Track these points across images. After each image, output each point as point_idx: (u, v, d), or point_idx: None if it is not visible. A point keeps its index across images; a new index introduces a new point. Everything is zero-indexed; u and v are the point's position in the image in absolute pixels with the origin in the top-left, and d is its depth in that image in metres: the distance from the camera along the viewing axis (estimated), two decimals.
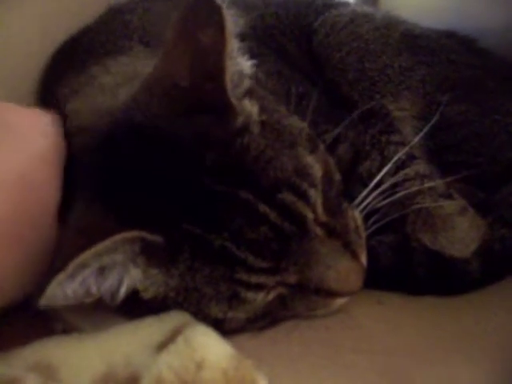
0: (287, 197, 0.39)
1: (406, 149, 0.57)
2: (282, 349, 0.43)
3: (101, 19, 0.67)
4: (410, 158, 0.58)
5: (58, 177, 0.44)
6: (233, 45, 0.40)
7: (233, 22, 0.39)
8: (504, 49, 0.81)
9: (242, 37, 0.42)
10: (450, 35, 0.78)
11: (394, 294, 0.53)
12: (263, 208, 0.38)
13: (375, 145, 0.60)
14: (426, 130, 0.60)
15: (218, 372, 0.28)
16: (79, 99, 0.51)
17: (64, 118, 0.50)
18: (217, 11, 0.38)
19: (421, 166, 0.58)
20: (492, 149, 0.66)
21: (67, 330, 0.42)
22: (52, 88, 0.58)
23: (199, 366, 0.28)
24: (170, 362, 0.29)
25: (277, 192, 0.39)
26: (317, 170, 0.42)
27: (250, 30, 0.67)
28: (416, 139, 0.59)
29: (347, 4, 0.78)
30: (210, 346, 0.30)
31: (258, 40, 0.65)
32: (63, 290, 0.35)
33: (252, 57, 0.47)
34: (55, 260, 0.36)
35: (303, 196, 0.40)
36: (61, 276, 0.34)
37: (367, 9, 0.76)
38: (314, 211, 0.41)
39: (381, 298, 0.52)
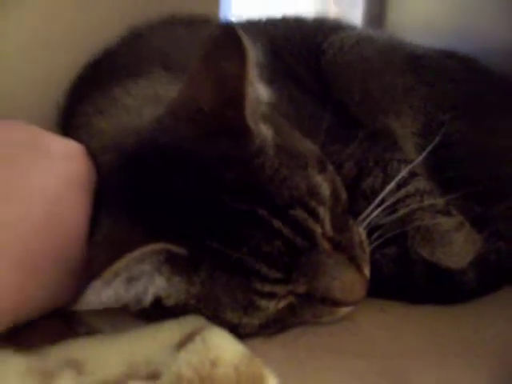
0: (299, 213, 0.42)
1: (409, 167, 0.60)
2: (290, 353, 0.45)
3: (122, 41, 0.71)
4: (412, 175, 0.61)
5: (87, 199, 0.47)
6: (253, 73, 0.43)
7: (253, 52, 0.43)
8: (507, 67, 0.85)
9: (259, 64, 0.45)
10: (450, 55, 0.82)
11: (395, 302, 0.56)
12: (277, 224, 0.41)
13: (378, 162, 0.63)
14: (428, 149, 0.64)
15: (230, 368, 0.31)
16: (104, 119, 0.54)
17: (89, 137, 0.54)
18: (239, 43, 0.41)
19: (421, 183, 0.61)
20: (491, 165, 0.68)
21: (90, 333, 0.45)
22: (76, 107, 0.61)
23: (214, 363, 0.32)
24: (188, 359, 0.33)
25: (290, 209, 0.42)
26: (325, 189, 0.45)
27: (260, 53, 0.71)
28: (419, 158, 0.62)
29: (354, 27, 0.82)
30: (223, 346, 0.34)
31: (269, 63, 0.69)
32: (98, 296, 0.39)
33: (265, 81, 0.51)
34: (87, 270, 0.39)
35: (313, 213, 0.43)
36: (97, 283, 0.37)
37: (372, 31, 0.80)
38: (323, 227, 0.44)
39: (383, 306, 0.55)
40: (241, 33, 0.42)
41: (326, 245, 0.44)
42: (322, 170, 0.47)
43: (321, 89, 0.72)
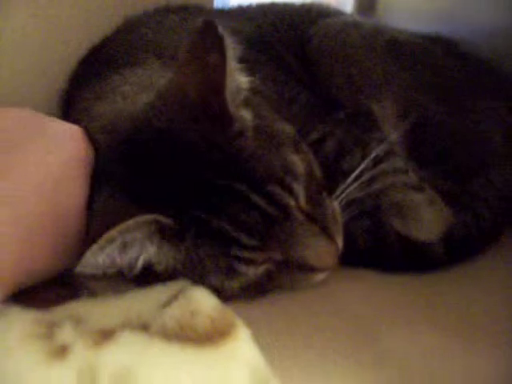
0: (274, 188, 0.47)
1: (383, 146, 0.65)
2: (268, 313, 0.51)
3: (118, 31, 0.75)
4: (388, 153, 0.65)
5: (85, 176, 0.51)
6: (232, 66, 0.48)
7: (233, 47, 0.48)
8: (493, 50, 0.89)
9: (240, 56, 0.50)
10: (434, 39, 0.85)
11: (370, 271, 0.60)
12: (254, 197, 0.46)
13: (358, 142, 0.67)
14: (402, 129, 0.69)
15: (207, 318, 0.36)
16: (103, 104, 0.58)
17: (89, 120, 0.58)
18: (220, 39, 0.46)
19: (396, 161, 0.65)
20: (466, 145, 0.72)
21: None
22: (77, 93, 0.66)
23: (193, 314, 0.37)
24: (172, 312, 0.37)
25: (266, 184, 0.47)
26: (299, 167, 0.50)
27: (248, 39, 0.75)
28: (393, 137, 0.67)
29: (340, 13, 0.86)
30: (202, 300, 0.39)
31: (256, 48, 0.73)
32: (95, 259, 0.43)
33: (249, 64, 0.56)
34: (87, 238, 0.45)
35: (287, 188, 0.48)
36: (94, 247, 0.42)
37: (357, 18, 0.83)
38: (297, 200, 0.49)
39: (358, 274, 0.59)
40: (221, 29, 0.46)
41: (300, 216, 0.49)
42: (297, 149, 0.51)
43: (307, 74, 0.77)
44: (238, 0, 1.00)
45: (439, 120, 0.72)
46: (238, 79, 0.50)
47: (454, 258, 0.62)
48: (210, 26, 0.46)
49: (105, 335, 0.35)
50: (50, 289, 0.51)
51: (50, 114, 0.57)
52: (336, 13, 0.86)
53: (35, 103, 0.64)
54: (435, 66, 0.78)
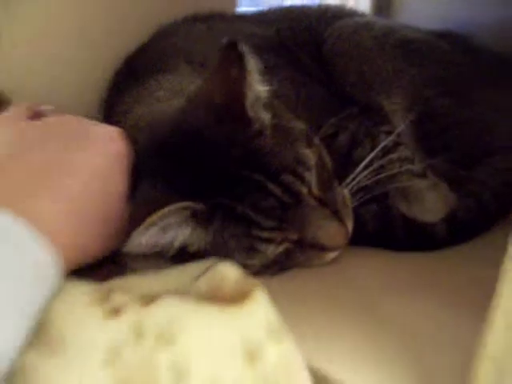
0: (287, 178, 0.54)
1: (391, 137, 0.71)
2: (286, 287, 0.57)
3: (152, 40, 0.83)
4: (395, 144, 0.72)
5: (126, 169, 0.57)
6: (251, 78, 0.55)
7: (254, 62, 0.55)
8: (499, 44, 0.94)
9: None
10: (444, 35, 0.91)
11: (378, 250, 0.66)
12: (270, 185, 0.53)
13: (368, 135, 0.74)
14: (408, 120, 0.75)
15: (232, 284, 0.44)
16: (141, 107, 0.66)
17: (128, 121, 0.65)
18: (240, 56, 0.53)
19: (403, 152, 0.72)
20: (471, 136, 0.78)
21: None
22: (116, 98, 0.73)
23: (221, 279, 0.44)
24: (204, 280, 0.45)
25: (280, 175, 0.54)
26: (311, 159, 0.57)
27: (268, 43, 0.82)
28: (400, 129, 0.73)
29: (354, 14, 0.92)
30: (228, 270, 0.45)
31: (275, 52, 0.80)
32: (140, 240, 0.51)
33: (268, 67, 0.63)
34: (132, 223, 0.51)
35: (299, 177, 0.55)
36: (139, 230, 0.49)
37: (370, 18, 0.90)
38: (309, 188, 0.56)
39: (367, 253, 0.65)
40: (241, 47, 0.53)
41: (312, 201, 0.56)
42: (309, 144, 0.58)
43: (323, 73, 0.83)
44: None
45: (445, 112, 0.78)
46: (258, 88, 0.57)
47: (457, 238, 0.68)
48: (233, 44, 0.53)
49: (149, 299, 0.43)
50: (103, 267, 0.58)
51: (90, 114, 0.65)
52: (350, 14, 0.93)
53: (77, 106, 0.73)
54: (442, 61, 0.83)
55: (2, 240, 0.41)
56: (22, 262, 0.41)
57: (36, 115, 0.60)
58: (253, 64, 0.55)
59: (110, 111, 0.75)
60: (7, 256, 0.40)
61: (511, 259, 0.36)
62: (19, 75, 0.76)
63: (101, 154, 0.55)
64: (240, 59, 0.53)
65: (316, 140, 0.61)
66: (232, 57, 0.54)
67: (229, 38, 0.53)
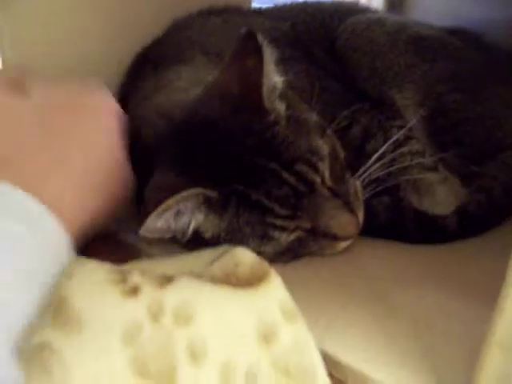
0: (302, 167, 0.55)
1: (403, 131, 0.72)
2: (300, 274, 0.59)
3: (167, 33, 0.84)
4: (407, 138, 0.73)
5: (120, 138, 0.56)
6: (268, 68, 0.56)
7: (270, 52, 0.56)
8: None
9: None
10: (456, 32, 0.91)
11: (390, 242, 0.67)
12: (285, 174, 0.54)
13: (381, 128, 0.74)
14: (419, 115, 0.76)
15: (247, 267, 0.45)
16: (160, 96, 0.67)
17: (149, 108, 0.66)
18: (259, 46, 0.54)
19: (414, 145, 0.73)
20: (482, 131, 0.78)
21: None
22: (134, 86, 0.75)
23: (236, 264, 0.45)
24: (219, 265, 0.46)
25: (295, 164, 0.55)
26: (324, 150, 0.58)
27: (283, 37, 0.83)
28: (412, 123, 0.74)
29: (367, 10, 0.93)
30: (243, 254, 0.47)
31: (290, 45, 0.82)
32: (154, 224, 0.52)
33: (284, 60, 0.64)
34: (147, 206, 0.53)
35: (313, 166, 0.56)
36: (154, 214, 0.51)
37: (382, 15, 0.90)
38: (322, 177, 0.57)
39: (379, 244, 0.66)
40: (260, 38, 0.54)
41: (325, 192, 0.57)
42: (323, 135, 0.59)
43: (336, 68, 0.84)
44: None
45: (456, 108, 0.78)
46: (274, 79, 0.58)
47: (467, 232, 0.68)
48: (251, 35, 0.55)
49: (167, 279, 0.44)
50: (115, 256, 0.58)
51: None
52: (363, 10, 0.93)
53: None
54: (454, 57, 0.83)
55: (13, 215, 0.42)
56: (32, 235, 0.42)
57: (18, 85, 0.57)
58: (269, 55, 0.56)
59: (126, 97, 0.76)
60: (17, 230, 0.41)
61: None
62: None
63: (95, 124, 0.56)
64: (258, 50, 0.54)
65: (329, 132, 0.62)
66: (250, 47, 0.55)
67: (247, 29, 0.54)
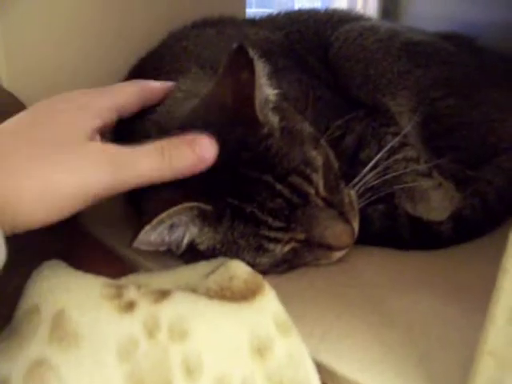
0: (295, 179, 0.55)
1: (398, 138, 0.73)
2: (295, 285, 0.60)
3: (163, 44, 0.84)
4: (401, 145, 0.73)
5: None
6: (260, 82, 0.56)
7: (262, 66, 0.57)
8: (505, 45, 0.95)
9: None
10: (450, 37, 0.92)
11: (385, 249, 0.68)
12: (279, 186, 0.55)
13: (375, 136, 0.75)
14: (416, 121, 0.77)
15: (242, 281, 0.46)
16: (158, 107, 0.66)
17: (145, 121, 0.66)
18: (250, 60, 0.55)
19: (409, 152, 0.73)
20: (477, 135, 0.79)
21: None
22: None
23: (231, 278, 0.46)
24: (214, 278, 0.47)
25: (288, 176, 0.55)
26: (318, 160, 0.58)
27: (277, 47, 0.84)
28: (406, 130, 0.75)
29: (360, 18, 0.94)
30: (238, 268, 0.47)
31: (284, 55, 0.82)
32: (148, 237, 0.53)
33: (278, 70, 0.64)
34: (142, 219, 0.53)
35: (307, 178, 0.56)
36: (147, 227, 0.52)
37: (375, 22, 0.91)
38: (316, 188, 0.57)
39: (374, 252, 0.67)
40: (251, 52, 0.55)
41: (319, 202, 0.57)
42: (316, 146, 0.60)
43: (330, 76, 0.85)
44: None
45: (450, 113, 0.79)
46: (266, 92, 0.59)
47: (462, 237, 0.69)
48: (242, 49, 0.55)
49: (163, 294, 0.45)
50: (112, 270, 0.59)
51: None
52: (356, 18, 0.94)
53: None
54: (447, 62, 0.84)
55: None
56: None
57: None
58: (261, 68, 0.57)
59: None
60: None
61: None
62: (30, 81, 0.78)
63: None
64: (249, 64, 0.55)
65: (323, 142, 0.62)
66: (242, 61, 0.55)
67: (239, 43, 0.55)
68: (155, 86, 0.65)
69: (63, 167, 0.47)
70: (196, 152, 0.53)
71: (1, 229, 0.42)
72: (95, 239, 0.72)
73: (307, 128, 0.62)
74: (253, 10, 1.51)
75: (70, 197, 0.47)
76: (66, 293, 0.46)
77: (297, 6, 1.71)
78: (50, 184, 0.46)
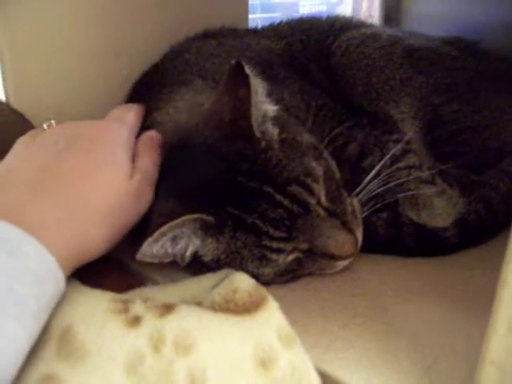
0: (296, 189, 0.56)
1: (400, 146, 0.73)
2: (299, 295, 0.60)
3: (165, 58, 0.86)
4: (404, 152, 0.73)
5: (123, 161, 0.59)
6: (256, 98, 0.57)
7: (259, 83, 0.58)
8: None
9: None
10: (452, 42, 0.92)
11: (389, 257, 0.68)
12: (279, 197, 0.55)
13: (377, 144, 0.75)
14: (419, 128, 0.77)
15: (246, 294, 0.47)
16: (161, 115, 0.69)
17: (148, 125, 0.68)
18: (246, 78, 0.56)
19: (411, 159, 0.73)
20: (480, 140, 0.79)
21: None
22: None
23: (235, 291, 0.47)
24: (218, 291, 0.48)
25: (288, 186, 0.56)
26: (319, 170, 0.59)
27: (278, 56, 0.85)
28: (408, 136, 0.75)
29: (361, 25, 0.94)
30: (242, 280, 0.48)
31: (286, 64, 0.83)
32: (151, 249, 0.54)
33: (279, 80, 0.65)
34: (146, 232, 0.54)
35: (307, 188, 0.57)
36: (150, 239, 0.53)
37: (376, 29, 0.91)
38: (318, 199, 0.57)
39: (378, 260, 0.67)
40: (247, 69, 0.56)
41: (321, 212, 0.58)
42: (317, 156, 0.60)
43: (332, 84, 0.86)
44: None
45: (453, 118, 0.80)
46: (264, 108, 0.60)
47: (467, 243, 0.69)
48: (239, 67, 0.56)
49: (168, 308, 0.45)
50: (119, 282, 0.61)
51: None
52: (358, 25, 0.95)
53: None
54: (449, 67, 0.85)
55: (1, 248, 0.43)
56: (21, 269, 0.44)
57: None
58: (258, 85, 0.58)
59: None
60: (2, 262, 0.43)
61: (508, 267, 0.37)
62: (34, 97, 0.79)
63: (96, 153, 0.58)
64: (246, 80, 0.56)
65: (324, 152, 0.63)
66: (239, 78, 0.57)
67: (236, 60, 0.56)
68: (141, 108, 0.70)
69: (126, 216, 0.58)
70: None
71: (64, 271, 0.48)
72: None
73: (308, 139, 0.62)
74: (258, 16, 1.52)
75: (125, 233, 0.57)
76: (73, 308, 0.47)
77: (301, 11, 1.71)
78: (116, 231, 0.57)
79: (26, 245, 0.45)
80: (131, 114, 0.66)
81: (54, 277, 0.46)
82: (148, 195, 0.60)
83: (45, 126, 0.64)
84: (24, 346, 0.41)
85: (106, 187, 0.56)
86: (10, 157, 0.59)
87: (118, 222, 0.57)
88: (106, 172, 0.56)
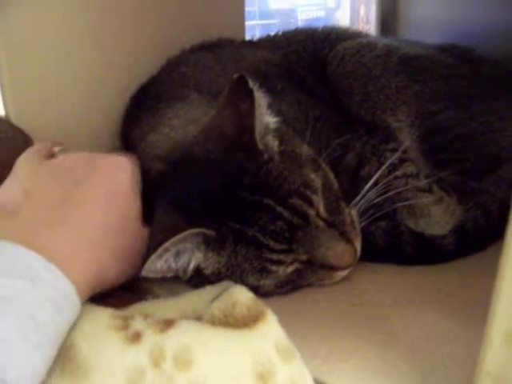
0: (295, 201, 0.56)
1: (397, 155, 0.73)
2: (299, 305, 0.60)
3: (162, 71, 0.86)
4: (401, 161, 0.74)
5: (136, 197, 0.61)
6: (259, 111, 0.58)
7: (262, 96, 0.58)
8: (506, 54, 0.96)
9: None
10: (447, 49, 0.93)
11: (388, 265, 0.69)
12: (279, 209, 0.56)
13: (375, 153, 0.76)
14: (416, 136, 0.78)
15: (244, 308, 0.47)
16: (156, 135, 0.69)
17: (144, 147, 0.69)
18: (250, 91, 0.56)
19: (408, 168, 0.74)
20: (478, 146, 0.80)
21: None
22: (132, 125, 0.77)
23: (234, 305, 0.47)
24: (218, 305, 0.48)
25: (289, 198, 0.56)
26: (317, 182, 0.59)
27: (275, 68, 0.85)
28: (405, 145, 0.76)
29: (357, 35, 0.95)
30: (241, 294, 0.48)
31: (283, 76, 0.84)
32: (155, 265, 0.54)
33: (277, 92, 0.65)
34: (148, 249, 0.55)
35: (307, 200, 0.57)
36: (154, 256, 0.53)
37: (372, 38, 0.92)
38: (317, 210, 0.58)
39: (377, 269, 0.67)
40: (251, 83, 0.57)
41: (320, 223, 0.58)
42: (316, 168, 0.61)
43: (329, 94, 0.86)
44: None
45: (450, 125, 0.80)
46: (266, 120, 0.60)
47: (466, 250, 0.69)
48: (243, 80, 0.57)
49: (168, 324, 0.46)
50: (121, 296, 0.61)
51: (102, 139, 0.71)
52: (354, 35, 0.95)
53: (96, 133, 0.80)
54: (445, 75, 0.85)
55: (20, 274, 0.44)
56: (43, 297, 0.45)
57: (51, 154, 0.65)
58: (261, 98, 0.58)
59: (126, 138, 0.79)
60: (25, 290, 0.44)
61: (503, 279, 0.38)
62: (34, 112, 0.80)
63: (111, 185, 0.59)
64: (249, 94, 0.57)
65: (322, 164, 0.63)
66: (242, 92, 0.57)
67: (240, 74, 0.56)
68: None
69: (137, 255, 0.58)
70: None
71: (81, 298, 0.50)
72: None
73: (306, 151, 0.63)
74: (256, 22, 1.52)
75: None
76: (75, 326, 0.47)
77: (300, 17, 1.72)
78: (129, 264, 0.58)
79: (47, 273, 0.46)
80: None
81: (71, 304, 0.47)
82: None
83: (56, 149, 0.66)
84: (42, 373, 0.42)
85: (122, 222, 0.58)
86: (23, 175, 0.59)
87: (132, 259, 0.58)
88: (124, 206, 0.59)
